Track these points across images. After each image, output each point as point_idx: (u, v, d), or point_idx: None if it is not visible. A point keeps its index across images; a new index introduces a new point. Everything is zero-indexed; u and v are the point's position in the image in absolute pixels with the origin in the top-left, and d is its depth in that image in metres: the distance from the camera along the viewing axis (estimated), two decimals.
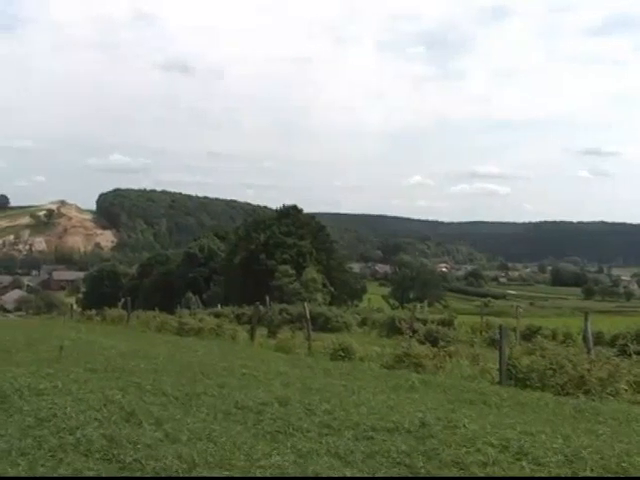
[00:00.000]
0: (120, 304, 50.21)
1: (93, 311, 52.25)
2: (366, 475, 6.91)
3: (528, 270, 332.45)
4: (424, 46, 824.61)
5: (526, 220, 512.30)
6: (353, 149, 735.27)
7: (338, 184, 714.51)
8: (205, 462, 6.97)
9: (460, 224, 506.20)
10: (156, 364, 14.96)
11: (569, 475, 7.32)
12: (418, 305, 58.65)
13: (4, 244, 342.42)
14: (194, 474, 6.60)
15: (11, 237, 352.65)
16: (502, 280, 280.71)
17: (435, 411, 10.47)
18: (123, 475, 6.59)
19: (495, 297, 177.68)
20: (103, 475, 6.55)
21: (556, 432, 9.45)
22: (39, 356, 15.51)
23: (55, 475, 6.49)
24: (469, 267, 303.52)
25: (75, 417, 8.81)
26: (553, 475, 7.24)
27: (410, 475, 7.08)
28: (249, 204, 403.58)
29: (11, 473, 6.50)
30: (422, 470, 7.14)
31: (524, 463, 7.55)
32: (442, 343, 23.69)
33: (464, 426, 9.31)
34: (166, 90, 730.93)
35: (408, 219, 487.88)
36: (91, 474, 6.51)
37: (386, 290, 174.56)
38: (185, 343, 23.23)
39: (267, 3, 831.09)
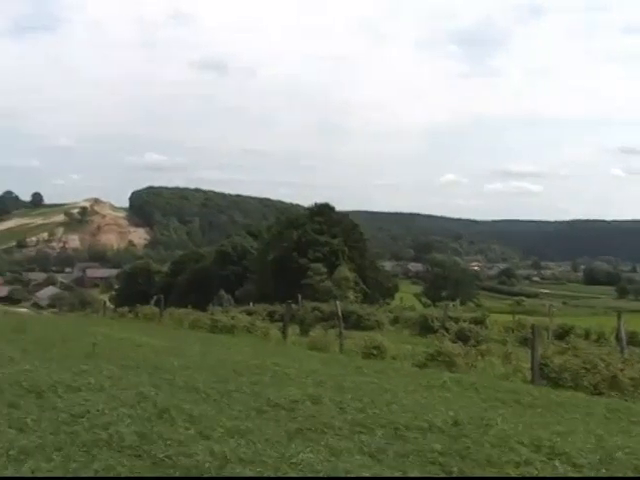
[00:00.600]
0: (153, 301, 50.26)
1: (126, 308, 52.42)
2: (398, 475, 6.91)
3: (561, 269, 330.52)
4: (461, 44, 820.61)
5: (559, 219, 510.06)
6: (387, 147, 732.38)
7: (372, 182, 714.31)
8: (237, 459, 6.98)
9: (493, 222, 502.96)
10: (189, 361, 15.01)
11: (604, 476, 7.30)
12: (450, 304, 58.54)
13: (38, 242, 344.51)
14: (226, 471, 6.61)
15: (45, 235, 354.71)
16: (535, 279, 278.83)
17: (468, 410, 10.45)
18: (156, 475, 6.62)
19: (528, 296, 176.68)
20: (135, 472, 6.59)
21: (589, 432, 9.42)
22: (73, 352, 15.60)
23: (88, 473, 6.53)
24: (502, 266, 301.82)
25: (108, 413, 8.86)
26: (585, 475, 7.23)
27: (443, 475, 7.07)
28: (282, 202, 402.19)
29: (45, 468, 6.55)
30: (454, 469, 7.12)
31: (557, 463, 7.52)
32: (474, 342, 23.66)
33: (497, 425, 9.29)
34: (202, 88, 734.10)
35: (441, 217, 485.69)
36: (123, 470, 6.53)
37: (418, 289, 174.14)
38: (218, 340, 23.30)
39: (305, 1, 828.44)
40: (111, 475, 6.46)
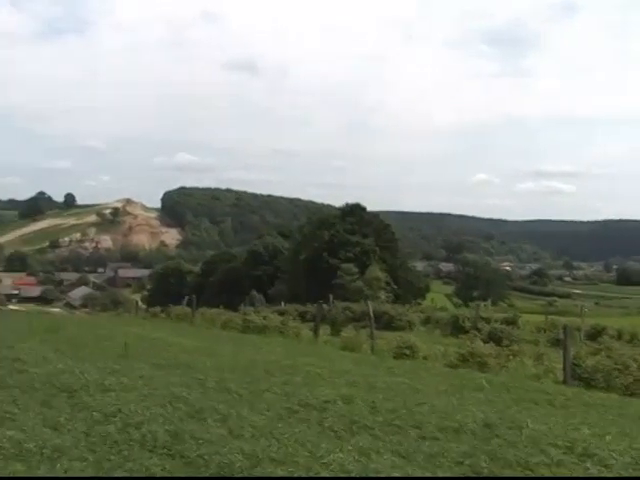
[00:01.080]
0: (185, 301, 50.40)
1: (158, 308, 52.63)
2: (429, 475, 6.91)
3: (593, 269, 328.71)
4: (492, 44, 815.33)
5: (592, 218, 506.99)
6: (418, 147, 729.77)
7: (403, 182, 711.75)
8: (268, 459, 7.00)
9: (525, 222, 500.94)
10: (221, 361, 15.05)
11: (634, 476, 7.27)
12: (482, 304, 58.29)
13: (71, 242, 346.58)
14: (257, 470, 6.63)
15: (78, 235, 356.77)
16: (567, 279, 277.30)
17: (499, 411, 10.44)
18: (189, 474, 6.65)
19: (560, 296, 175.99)
20: (167, 471, 6.63)
21: (622, 433, 9.37)
22: (105, 352, 15.67)
23: (121, 473, 6.57)
24: (533, 266, 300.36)
25: (140, 413, 8.90)
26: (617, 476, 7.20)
27: (473, 475, 7.06)
28: (313, 202, 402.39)
29: (78, 467, 6.60)
30: (485, 470, 7.11)
31: (589, 464, 7.49)
32: (506, 342, 23.57)
33: (528, 426, 9.25)
34: (232, 89, 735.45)
35: (473, 217, 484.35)
36: (156, 470, 6.57)
37: (450, 289, 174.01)
38: (249, 341, 23.35)
39: (335, 1, 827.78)
40: (144, 475, 6.51)
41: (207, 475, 6.56)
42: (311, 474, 6.64)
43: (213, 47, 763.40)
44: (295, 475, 6.62)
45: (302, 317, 41.37)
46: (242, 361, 15.44)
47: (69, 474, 6.39)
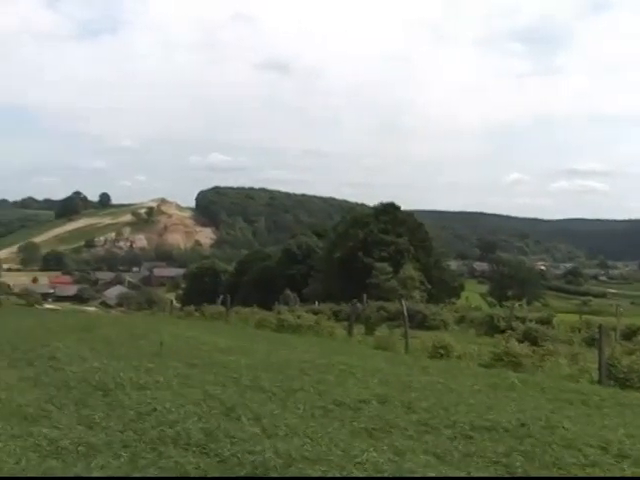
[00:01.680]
0: (219, 300, 50.48)
1: (192, 307, 52.81)
2: (462, 475, 6.89)
3: (628, 268, 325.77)
4: (522, 42, 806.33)
5: (627, 217, 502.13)
6: (451, 146, 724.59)
7: (437, 181, 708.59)
8: (302, 458, 7.02)
9: (559, 221, 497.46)
10: (255, 360, 15.08)
11: None
12: (516, 303, 57.95)
13: (106, 241, 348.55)
14: (291, 470, 6.65)
15: (113, 234, 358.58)
16: (602, 278, 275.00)
17: (534, 411, 10.38)
18: (222, 473, 6.68)
19: (595, 296, 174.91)
20: (202, 469, 6.66)
21: None
22: (140, 351, 15.76)
23: (155, 471, 6.61)
24: (568, 265, 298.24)
25: (175, 411, 8.97)
26: None
27: (507, 475, 7.04)
28: (347, 201, 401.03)
29: (113, 464, 6.65)
30: (520, 470, 7.09)
31: (625, 465, 7.46)
32: (541, 342, 23.45)
33: (563, 427, 9.21)
34: (265, 89, 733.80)
35: (506, 217, 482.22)
36: (190, 468, 6.61)
37: (484, 288, 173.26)
38: (283, 339, 23.37)
39: (364, 2, 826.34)
40: (178, 475, 6.54)
41: (242, 475, 6.59)
42: (345, 474, 6.65)
43: (245, 48, 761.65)
44: (329, 475, 6.63)
45: (336, 316, 41.31)
46: (276, 360, 15.46)
47: (104, 471, 6.45)
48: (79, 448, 7.14)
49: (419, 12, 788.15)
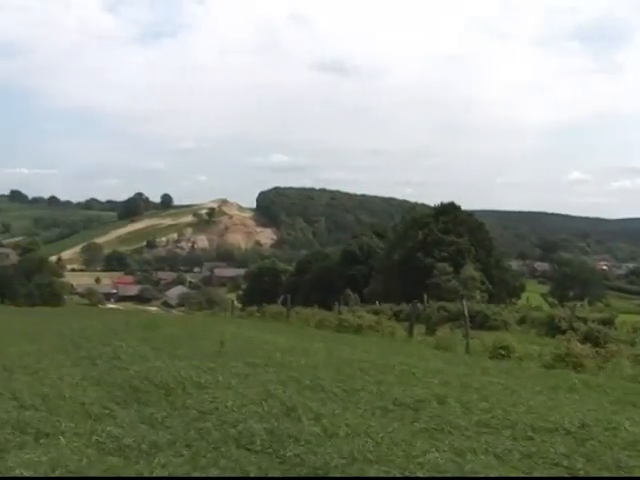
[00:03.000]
0: (279, 300, 50.83)
1: (253, 307, 53.15)
2: (523, 475, 6.84)
3: None
4: (582, 39, 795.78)
5: None
6: (512, 145, 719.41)
7: (497, 181, 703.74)
8: (363, 458, 7.01)
9: (621, 221, 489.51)
10: (315, 360, 15.10)
11: None
12: (578, 304, 57.41)
13: (168, 242, 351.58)
14: (353, 470, 6.64)
15: (175, 235, 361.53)
16: None
17: (595, 412, 10.26)
18: (284, 473, 6.69)
19: None
20: (263, 469, 6.67)
21: None
22: (201, 350, 15.84)
23: (216, 471, 6.64)
24: (631, 265, 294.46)
25: (237, 411, 9.01)
26: None
27: (567, 475, 6.97)
28: (407, 201, 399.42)
29: (175, 463, 6.70)
30: (581, 472, 7.01)
31: None
32: (603, 343, 23.19)
33: (625, 429, 9.10)
34: (324, 90, 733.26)
35: (568, 216, 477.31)
36: (252, 468, 6.63)
37: (545, 288, 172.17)
38: (344, 340, 23.38)
39: (421, 0, 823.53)
40: (239, 475, 6.57)
41: (303, 475, 6.60)
42: (406, 474, 6.63)
43: (303, 49, 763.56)
44: (390, 475, 6.61)
45: (397, 316, 41.31)
46: (336, 360, 15.46)
47: (166, 469, 6.49)
48: (141, 446, 7.20)
49: (477, 10, 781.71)
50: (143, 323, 25.41)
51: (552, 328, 35.10)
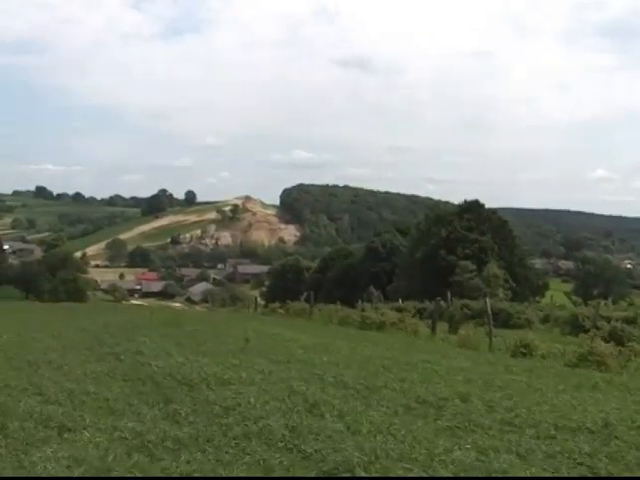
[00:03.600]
0: (303, 297, 50.89)
1: (276, 304, 53.23)
2: (549, 475, 6.82)
3: None
4: (609, 36, 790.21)
5: None
6: (535, 143, 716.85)
7: (520, 178, 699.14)
8: (386, 455, 7.01)
9: None
10: (338, 357, 15.12)
11: None
12: (602, 302, 57.08)
13: (192, 238, 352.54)
14: (375, 467, 6.64)
15: (198, 232, 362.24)
16: None
17: (619, 411, 10.20)
18: (306, 469, 6.70)
19: None
20: (285, 465, 6.69)
21: None
22: (225, 347, 15.90)
23: (240, 467, 6.66)
24: None
25: (259, 407, 9.04)
26: None
27: (590, 475, 6.95)
28: (430, 199, 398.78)
29: (199, 459, 6.73)
30: (603, 471, 6.98)
31: None
32: (627, 342, 23.09)
33: None
34: (346, 86, 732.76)
35: (591, 214, 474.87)
36: (275, 463, 6.66)
37: (569, 287, 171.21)
38: (367, 337, 23.38)
39: None
40: (263, 469, 6.59)
41: (325, 470, 6.61)
42: (430, 472, 6.63)
43: (326, 44, 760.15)
44: (411, 474, 6.61)
45: (420, 314, 41.18)
46: (359, 357, 15.48)
47: (191, 466, 6.51)
48: (165, 443, 7.24)
49: (500, 6, 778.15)
50: (166, 319, 25.52)
51: (576, 327, 34.95)
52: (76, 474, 6.27)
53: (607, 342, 20.22)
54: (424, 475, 6.57)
